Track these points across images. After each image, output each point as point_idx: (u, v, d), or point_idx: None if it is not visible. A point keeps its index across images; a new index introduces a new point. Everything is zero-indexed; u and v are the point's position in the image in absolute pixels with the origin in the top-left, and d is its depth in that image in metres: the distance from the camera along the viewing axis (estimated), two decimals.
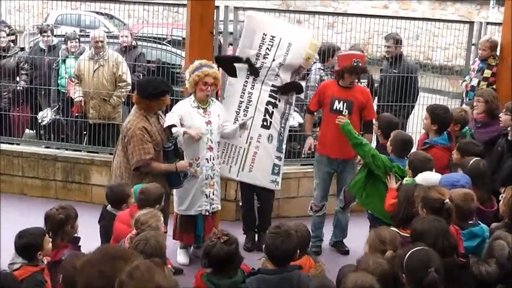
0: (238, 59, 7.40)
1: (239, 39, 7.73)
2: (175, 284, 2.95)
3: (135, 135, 6.40)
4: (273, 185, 7.58)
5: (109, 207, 6.09)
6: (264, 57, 7.31)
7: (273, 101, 7.39)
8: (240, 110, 7.40)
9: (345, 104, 7.39)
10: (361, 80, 8.80)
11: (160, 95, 6.61)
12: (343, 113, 7.31)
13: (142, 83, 6.90)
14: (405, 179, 6.19)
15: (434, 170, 6.09)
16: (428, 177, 5.76)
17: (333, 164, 7.60)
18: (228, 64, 7.48)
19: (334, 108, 7.41)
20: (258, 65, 7.33)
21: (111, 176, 6.84)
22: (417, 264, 4.04)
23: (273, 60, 7.30)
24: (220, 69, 7.48)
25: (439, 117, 6.83)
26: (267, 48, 7.30)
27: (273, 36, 7.29)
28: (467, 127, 7.35)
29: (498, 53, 9.07)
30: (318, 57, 8.90)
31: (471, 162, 6.10)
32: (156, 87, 6.59)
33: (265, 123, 7.40)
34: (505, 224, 5.04)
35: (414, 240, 4.54)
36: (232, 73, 7.45)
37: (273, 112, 7.41)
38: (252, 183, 7.60)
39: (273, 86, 7.40)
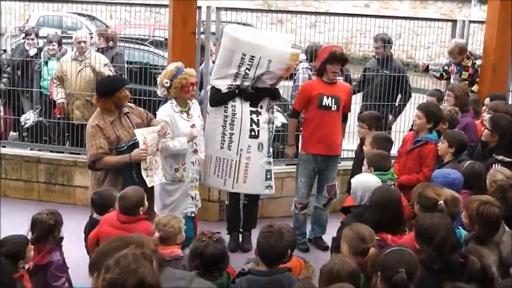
0: (230, 96, 7.14)
1: (221, 39, 7.53)
2: (159, 281, 2.89)
3: (88, 134, 6.33)
4: (268, 190, 7.47)
5: (95, 215, 5.86)
6: (244, 77, 7.01)
7: (255, 109, 7.22)
8: (226, 124, 7.17)
9: (333, 100, 7.50)
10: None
11: (112, 93, 6.40)
12: (332, 108, 7.47)
13: (98, 83, 6.95)
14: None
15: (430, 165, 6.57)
16: (365, 180, 5.68)
17: (318, 162, 7.69)
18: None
19: (324, 104, 7.48)
20: (237, 82, 7.05)
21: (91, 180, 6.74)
22: (390, 263, 4.00)
23: (253, 79, 7.02)
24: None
25: (434, 115, 6.93)
26: (247, 68, 6.95)
27: (253, 56, 6.92)
28: None
29: (469, 52, 9.19)
30: (304, 57, 8.91)
31: (466, 164, 6.12)
32: (106, 85, 6.51)
33: (253, 133, 7.20)
34: (474, 236, 4.90)
35: (422, 236, 4.44)
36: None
37: (258, 120, 7.23)
38: (248, 193, 7.59)
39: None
